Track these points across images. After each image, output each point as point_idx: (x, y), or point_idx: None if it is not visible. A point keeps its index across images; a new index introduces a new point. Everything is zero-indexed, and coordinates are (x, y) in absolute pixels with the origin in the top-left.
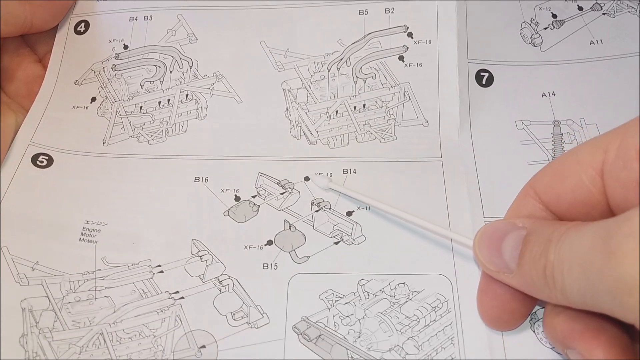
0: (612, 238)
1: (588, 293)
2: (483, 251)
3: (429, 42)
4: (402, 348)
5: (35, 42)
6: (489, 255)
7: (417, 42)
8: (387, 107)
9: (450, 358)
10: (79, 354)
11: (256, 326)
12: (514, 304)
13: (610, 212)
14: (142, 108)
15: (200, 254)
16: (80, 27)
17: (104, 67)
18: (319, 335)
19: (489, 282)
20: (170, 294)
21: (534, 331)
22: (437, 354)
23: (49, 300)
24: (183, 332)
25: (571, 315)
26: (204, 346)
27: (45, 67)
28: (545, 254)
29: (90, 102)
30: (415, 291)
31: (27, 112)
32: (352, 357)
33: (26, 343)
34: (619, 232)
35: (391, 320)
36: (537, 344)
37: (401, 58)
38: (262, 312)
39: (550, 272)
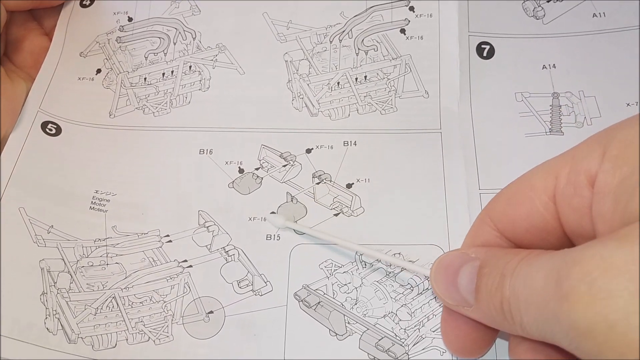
0: (564, 281)
1: (546, 332)
2: (440, 285)
3: (430, 15)
4: (396, 314)
5: (42, 16)
6: (446, 290)
7: (418, 16)
8: (388, 79)
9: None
10: (95, 315)
11: (260, 293)
12: (477, 334)
13: (566, 237)
14: (147, 79)
15: (207, 224)
16: (86, 1)
17: (108, 39)
18: (319, 302)
19: (450, 312)
20: (179, 262)
21: None
22: (428, 320)
23: (65, 263)
24: (192, 299)
25: (533, 346)
26: (211, 312)
27: (51, 40)
28: (501, 288)
29: (96, 74)
30: (410, 261)
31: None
32: (349, 322)
33: (46, 301)
34: (570, 276)
35: (386, 289)
36: None
37: (403, 31)
38: (265, 281)
39: (507, 307)
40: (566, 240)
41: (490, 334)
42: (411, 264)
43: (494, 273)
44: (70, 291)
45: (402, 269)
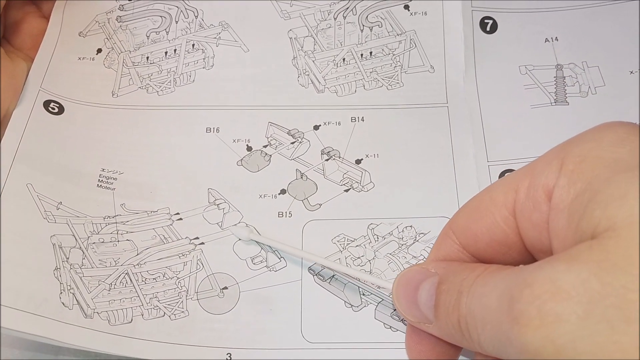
0: (515, 304)
1: (502, 352)
2: (401, 302)
3: None
4: None
5: (41, 0)
6: (407, 307)
7: None
8: (393, 55)
9: None
10: (109, 291)
11: (274, 269)
12: (441, 349)
13: (527, 251)
14: (149, 58)
15: (217, 202)
16: None
17: (108, 19)
18: (333, 276)
19: (414, 327)
20: (190, 239)
21: None
22: None
23: (76, 239)
24: (205, 275)
25: None
26: (226, 287)
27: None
28: (458, 306)
29: (96, 54)
30: (421, 233)
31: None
32: (363, 294)
33: (60, 276)
34: (521, 299)
35: (399, 260)
36: None
37: (406, 7)
38: (279, 257)
39: (464, 325)
40: (527, 255)
41: (454, 350)
42: (375, 277)
43: (451, 290)
44: (83, 267)
45: (415, 241)
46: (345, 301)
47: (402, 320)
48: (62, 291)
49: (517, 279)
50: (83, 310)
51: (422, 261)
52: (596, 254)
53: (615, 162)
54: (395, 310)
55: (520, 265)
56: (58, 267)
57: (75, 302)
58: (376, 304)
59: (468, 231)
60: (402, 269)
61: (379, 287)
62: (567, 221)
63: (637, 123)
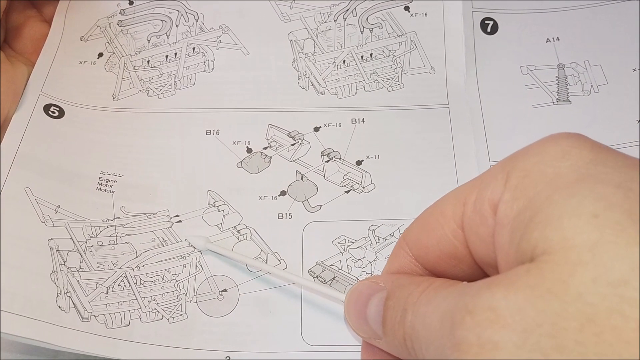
0: (457, 329)
1: None
2: (351, 317)
3: None
4: None
5: (42, 3)
6: (357, 322)
7: None
8: (394, 56)
9: None
10: (106, 294)
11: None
12: None
13: (476, 265)
14: (150, 62)
15: (217, 204)
16: None
17: (109, 23)
18: (334, 278)
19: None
20: (189, 242)
21: None
22: None
23: (73, 242)
24: (204, 277)
25: None
26: (225, 290)
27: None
28: (403, 323)
29: (97, 58)
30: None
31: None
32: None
33: (57, 279)
34: (462, 325)
35: None
36: None
37: (407, 8)
38: (279, 259)
39: (410, 343)
40: (477, 268)
41: None
42: (328, 288)
43: (397, 306)
44: (80, 270)
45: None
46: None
47: None
48: (59, 294)
49: (459, 303)
50: (80, 314)
51: None
52: (532, 279)
53: (555, 179)
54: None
55: (464, 284)
56: (55, 270)
57: (72, 305)
58: None
59: (419, 243)
60: None
61: (338, 301)
62: (510, 238)
63: (582, 134)
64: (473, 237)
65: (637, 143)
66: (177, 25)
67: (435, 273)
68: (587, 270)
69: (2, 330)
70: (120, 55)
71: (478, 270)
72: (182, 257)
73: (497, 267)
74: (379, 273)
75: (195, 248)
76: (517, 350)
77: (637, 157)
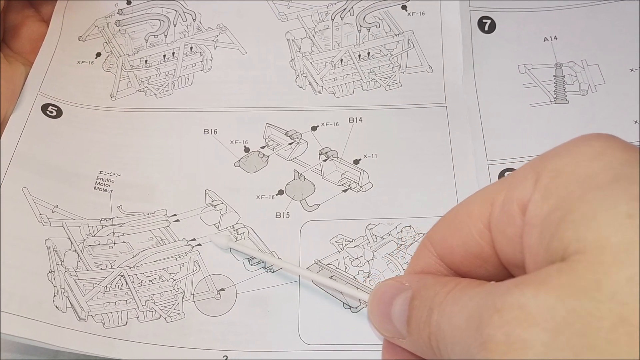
0: (484, 328)
1: None
2: (375, 317)
3: None
4: None
5: (40, 3)
6: (381, 322)
7: None
8: (391, 55)
9: None
10: (104, 293)
11: (272, 270)
12: None
13: (502, 265)
14: (148, 62)
15: (214, 203)
16: None
17: (107, 23)
18: (331, 277)
19: (390, 341)
20: (187, 241)
21: None
22: None
23: (71, 242)
24: (202, 276)
25: None
26: (222, 289)
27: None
28: (428, 323)
29: (95, 58)
30: (420, 233)
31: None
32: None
33: (54, 279)
34: (490, 324)
35: (398, 261)
36: None
37: (404, 7)
38: (277, 258)
39: (435, 343)
40: (502, 268)
41: None
42: (353, 289)
43: (423, 306)
44: (78, 270)
45: (414, 241)
46: (343, 302)
47: None
48: (56, 294)
49: (487, 302)
50: (77, 313)
51: None
52: (564, 278)
53: (588, 178)
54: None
55: (492, 283)
56: (52, 270)
57: (69, 305)
58: None
59: (444, 243)
60: (402, 269)
61: (360, 300)
62: (539, 238)
63: (614, 135)
64: (500, 237)
65: (634, 144)
66: (174, 25)
67: (459, 273)
68: (621, 269)
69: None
70: (118, 55)
71: (503, 271)
72: (180, 257)
73: (523, 267)
74: (377, 272)
75: (218, 246)
76: (546, 349)
77: None
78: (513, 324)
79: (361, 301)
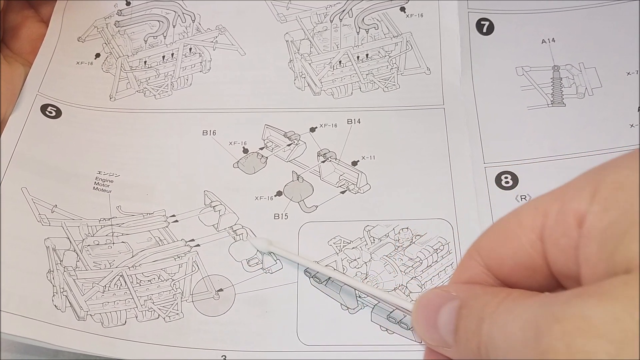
0: (543, 337)
1: None
2: (420, 324)
3: None
4: (407, 287)
5: (39, 4)
6: (426, 330)
7: None
8: (389, 57)
9: None
10: (103, 293)
11: (270, 271)
12: None
13: (553, 277)
14: (147, 63)
15: (213, 204)
16: None
17: (106, 24)
18: (329, 278)
19: (432, 350)
20: (186, 241)
21: None
22: None
23: (70, 242)
24: (200, 277)
25: None
26: (221, 289)
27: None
28: (478, 332)
29: (95, 58)
30: (418, 235)
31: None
32: (359, 296)
33: (53, 279)
34: (550, 334)
35: (395, 262)
36: None
37: (402, 9)
38: (275, 259)
39: (485, 352)
40: (553, 280)
41: None
42: (396, 297)
43: (472, 315)
44: (77, 269)
45: (411, 243)
46: (341, 303)
47: (399, 323)
48: (55, 294)
49: (545, 312)
50: (76, 313)
51: (418, 264)
52: (631, 291)
53: None
54: (391, 312)
55: (546, 294)
56: (51, 269)
57: (68, 304)
58: (372, 307)
59: (493, 253)
60: (399, 271)
61: (403, 309)
62: (599, 250)
63: None
64: (553, 248)
65: (630, 148)
66: (174, 26)
67: (507, 284)
68: None
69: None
70: (118, 56)
71: (553, 283)
72: (178, 257)
73: (577, 279)
74: (374, 273)
75: (257, 250)
76: None
77: None
78: (575, 335)
79: (404, 309)
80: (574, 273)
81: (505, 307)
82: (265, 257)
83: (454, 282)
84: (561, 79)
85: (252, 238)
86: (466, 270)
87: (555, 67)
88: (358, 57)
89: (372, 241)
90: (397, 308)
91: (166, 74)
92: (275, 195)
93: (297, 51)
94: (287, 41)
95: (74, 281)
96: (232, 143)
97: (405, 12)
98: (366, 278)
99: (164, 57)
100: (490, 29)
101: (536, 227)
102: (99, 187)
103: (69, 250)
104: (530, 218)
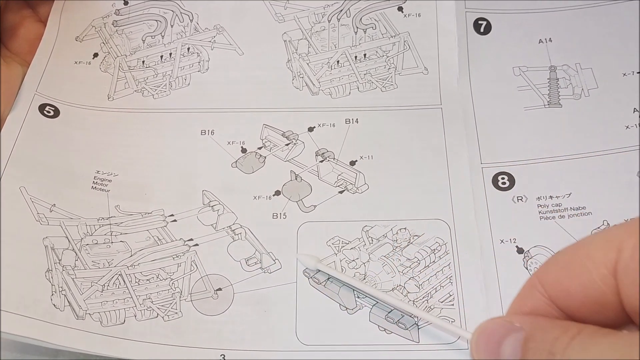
0: None
1: None
2: (481, 353)
3: None
4: (404, 287)
5: (37, 3)
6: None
7: None
8: (387, 57)
9: (448, 295)
10: (101, 292)
11: (269, 271)
12: None
13: (624, 313)
14: (145, 62)
15: (212, 204)
16: None
17: (104, 23)
18: (328, 278)
19: None
20: (184, 241)
21: (526, 268)
22: (436, 292)
23: (69, 241)
24: (199, 276)
25: None
26: (220, 289)
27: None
28: None
29: (93, 58)
30: (415, 235)
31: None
32: (358, 297)
33: (52, 278)
34: None
35: (393, 263)
36: None
37: (400, 9)
38: (274, 259)
39: None
40: (624, 316)
41: None
42: (449, 324)
43: (541, 349)
44: (75, 268)
45: (409, 243)
46: (340, 304)
47: (397, 323)
48: (54, 293)
49: (632, 353)
50: (74, 312)
51: (415, 264)
52: None
53: None
54: (389, 312)
55: (627, 333)
56: (50, 269)
57: (66, 303)
58: (371, 307)
59: (559, 286)
60: (397, 271)
61: (456, 335)
62: None
63: None
64: (628, 285)
65: (626, 149)
66: (171, 26)
67: (574, 317)
68: None
69: None
70: (116, 56)
71: (624, 318)
72: (177, 256)
73: None
74: (372, 274)
75: (305, 267)
76: None
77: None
78: None
79: (462, 338)
80: None
81: (580, 343)
82: (264, 257)
83: (514, 312)
84: (558, 79)
85: (300, 254)
86: (528, 300)
87: (552, 68)
88: (356, 57)
89: (371, 241)
90: (454, 336)
91: (164, 73)
92: (273, 195)
93: (295, 51)
94: (285, 41)
95: (73, 280)
96: (231, 143)
97: (402, 12)
98: (364, 279)
99: (162, 56)
100: (488, 28)
101: (609, 262)
102: (97, 186)
103: (67, 249)
104: (602, 252)
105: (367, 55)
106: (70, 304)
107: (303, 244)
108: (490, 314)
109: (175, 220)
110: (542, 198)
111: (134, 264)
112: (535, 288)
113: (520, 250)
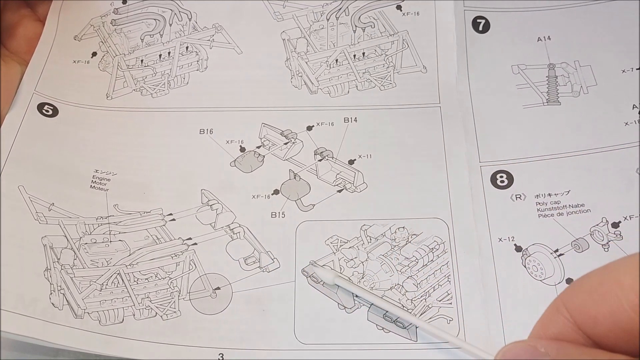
0: None
1: None
2: None
3: None
4: (402, 286)
5: (36, 2)
6: None
7: None
8: (386, 55)
9: (446, 294)
10: (100, 291)
11: (268, 270)
12: None
13: None
14: (143, 61)
15: (210, 203)
16: None
17: (103, 22)
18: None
19: None
20: (183, 240)
21: (525, 266)
22: (434, 290)
23: (67, 240)
24: (198, 275)
25: None
26: (218, 288)
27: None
28: None
29: (91, 57)
30: (414, 234)
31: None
32: (356, 295)
33: (50, 277)
34: None
35: (392, 262)
36: (528, 278)
37: (399, 7)
38: (272, 258)
39: None
40: None
41: None
42: (471, 346)
43: None
44: (74, 267)
45: (407, 242)
46: (338, 303)
47: (395, 322)
48: (52, 292)
49: None
50: (73, 311)
51: (414, 263)
52: None
53: None
54: (387, 311)
55: None
56: (48, 267)
57: (65, 302)
58: (369, 306)
59: (586, 312)
60: (395, 270)
61: (475, 357)
62: None
63: None
64: None
65: (625, 146)
66: (170, 25)
67: (600, 344)
68: None
69: None
70: (114, 55)
71: None
72: (176, 255)
73: None
74: (371, 273)
75: (323, 281)
76: None
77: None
78: None
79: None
80: None
81: None
82: (263, 256)
83: (537, 336)
84: (556, 77)
85: (318, 268)
86: (552, 325)
87: (551, 65)
88: (354, 55)
89: (369, 240)
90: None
91: (163, 72)
92: (272, 194)
93: (293, 50)
94: (283, 40)
95: (72, 279)
96: (229, 142)
97: (401, 11)
98: (363, 278)
99: (160, 55)
100: (486, 27)
101: (638, 287)
102: (96, 185)
103: (66, 248)
104: (631, 278)
105: (365, 54)
106: (69, 303)
107: (301, 243)
108: (488, 313)
109: (173, 219)
110: (540, 196)
111: (133, 263)
112: (560, 312)
113: (518, 249)
